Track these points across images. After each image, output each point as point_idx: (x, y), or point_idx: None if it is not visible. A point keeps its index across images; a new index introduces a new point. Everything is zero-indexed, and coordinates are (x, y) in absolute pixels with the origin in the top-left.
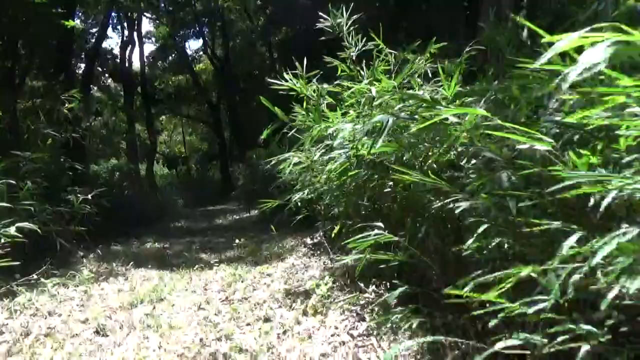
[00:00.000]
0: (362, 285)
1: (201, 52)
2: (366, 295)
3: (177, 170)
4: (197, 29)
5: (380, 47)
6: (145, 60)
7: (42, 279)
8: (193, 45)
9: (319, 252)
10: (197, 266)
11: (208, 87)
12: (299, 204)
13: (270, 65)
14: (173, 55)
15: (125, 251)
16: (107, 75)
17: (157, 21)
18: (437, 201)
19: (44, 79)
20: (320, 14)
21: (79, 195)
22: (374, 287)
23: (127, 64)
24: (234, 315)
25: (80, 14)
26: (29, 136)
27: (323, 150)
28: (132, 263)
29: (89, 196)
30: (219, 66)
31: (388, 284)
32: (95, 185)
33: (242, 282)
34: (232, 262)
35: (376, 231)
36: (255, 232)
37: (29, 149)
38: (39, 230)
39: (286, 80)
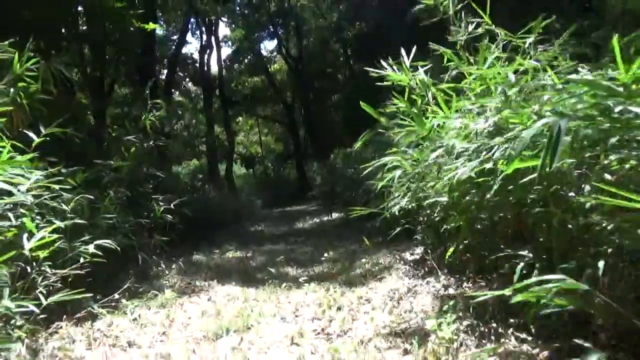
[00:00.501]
0: (500, 328)
1: (275, 53)
2: (511, 345)
3: (254, 170)
4: (272, 29)
5: (491, 29)
6: (223, 63)
7: (124, 300)
8: (268, 46)
9: (423, 271)
10: (284, 284)
11: (283, 87)
12: (397, 213)
13: (344, 62)
14: (249, 57)
15: (207, 262)
16: (187, 79)
17: (233, 24)
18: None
19: (131, 86)
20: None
21: (161, 203)
22: (513, 331)
23: (205, 68)
24: (335, 357)
25: (161, 22)
26: (109, 144)
27: (437, 154)
28: (215, 279)
29: (172, 205)
30: (293, 66)
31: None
32: (177, 190)
33: (337, 309)
34: (323, 281)
35: (556, 276)
36: (341, 240)
37: (111, 158)
38: (117, 249)
39: (385, 69)
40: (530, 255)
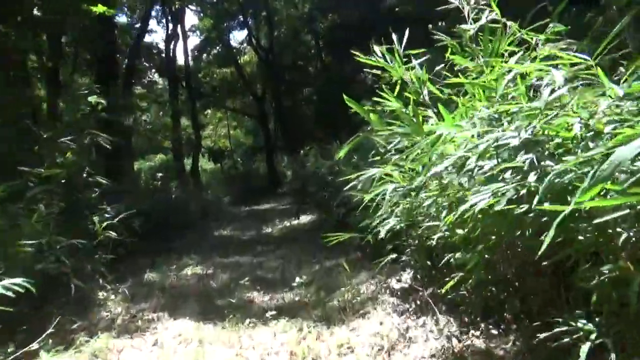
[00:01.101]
0: None
1: (245, 44)
2: None
3: (222, 165)
4: (242, 19)
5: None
6: (190, 53)
7: (43, 353)
8: (238, 36)
9: (414, 305)
10: (248, 320)
11: (252, 79)
12: (385, 236)
13: (316, 54)
14: (218, 47)
15: (161, 282)
16: (153, 70)
17: (201, 13)
18: None
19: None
20: None
21: (108, 214)
22: None
23: (171, 58)
24: None
25: (124, 9)
26: (41, 146)
27: (439, 168)
28: (167, 309)
29: (119, 217)
30: (263, 57)
31: None
32: (137, 191)
33: None
34: (294, 316)
35: None
36: (315, 252)
37: (43, 163)
38: (33, 289)
39: (375, 56)
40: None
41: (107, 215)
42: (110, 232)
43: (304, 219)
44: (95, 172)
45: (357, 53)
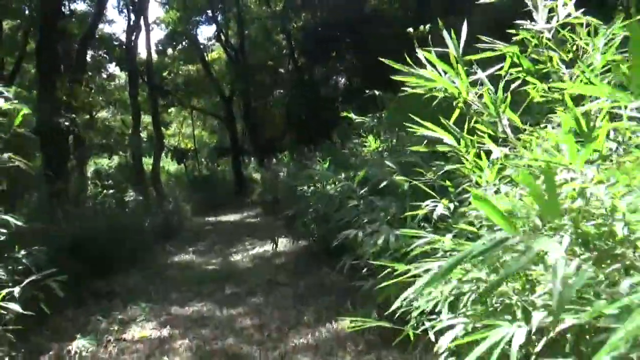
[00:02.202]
0: None
1: (214, 40)
2: None
3: (186, 166)
4: (210, 14)
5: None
6: (155, 47)
7: None
8: (206, 32)
9: None
10: None
11: (220, 78)
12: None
13: (288, 55)
14: (184, 43)
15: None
16: (113, 63)
17: (167, 5)
18: None
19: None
20: None
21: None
22: None
23: (132, 51)
24: None
25: None
26: None
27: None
28: None
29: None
30: (232, 56)
31: None
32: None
33: None
34: None
35: None
36: (302, 304)
37: None
38: None
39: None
40: None
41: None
42: (10, 305)
43: (281, 247)
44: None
45: (386, 60)
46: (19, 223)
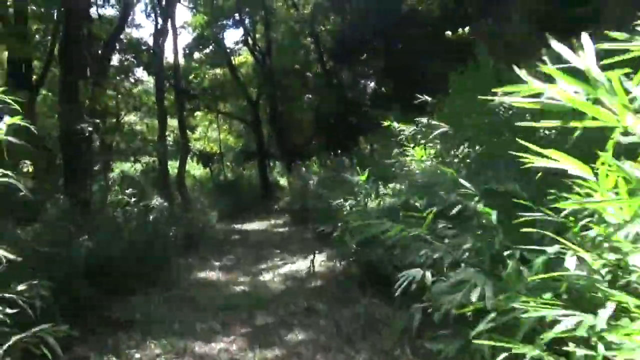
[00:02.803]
0: None
1: (241, 44)
2: None
3: (212, 170)
4: (238, 17)
5: None
6: (182, 51)
7: None
8: (232, 36)
9: None
10: None
11: (247, 82)
12: None
13: (316, 59)
14: (211, 46)
15: None
16: (142, 68)
17: (194, 9)
18: None
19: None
20: None
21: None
22: None
23: (160, 55)
24: None
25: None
26: None
27: None
28: None
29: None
30: (260, 59)
31: None
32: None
33: None
34: None
35: None
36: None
37: None
38: None
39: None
40: None
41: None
42: None
43: (321, 263)
44: None
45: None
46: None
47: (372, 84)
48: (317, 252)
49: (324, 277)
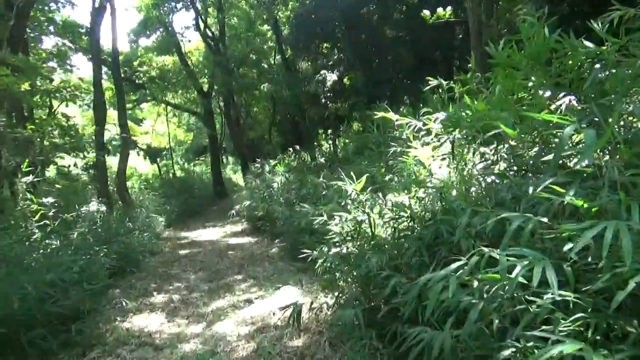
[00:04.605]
0: None
1: (192, 27)
2: None
3: (159, 167)
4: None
5: None
6: (127, 37)
7: None
8: (182, 21)
9: None
10: None
11: (198, 72)
12: None
13: (275, 46)
14: (158, 32)
15: None
16: (77, 51)
17: None
18: None
19: None
20: None
21: None
22: None
23: (96, 37)
24: None
25: None
26: None
27: None
28: None
29: None
30: (212, 46)
31: None
32: None
33: None
34: None
35: None
36: None
37: None
38: None
39: None
40: None
41: None
42: None
43: (289, 292)
44: None
45: None
46: None
47: (334, 75)
48: (290, 282)
49: (312, 331)
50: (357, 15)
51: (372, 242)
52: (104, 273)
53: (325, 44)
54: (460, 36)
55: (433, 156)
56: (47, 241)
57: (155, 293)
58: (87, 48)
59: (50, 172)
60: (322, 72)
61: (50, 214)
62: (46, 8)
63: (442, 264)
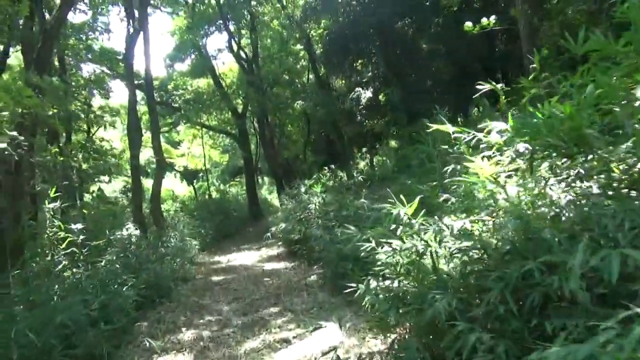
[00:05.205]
0: None
1: (225, 50)
2: None
3: (195, 188)
4: (221, 22)
5: None
6: (162, 62)
7: None
8: (215, 43)
9: None
10: None
11: (232, 93)
12: None
13: (309, 65)
14: (192, 55)
15: None
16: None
17: (174, 14)
18: None
19: None
20: None
21: None
22: None
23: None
24: None
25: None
26: None
27: None
28: None
29: None
30: (246, 67)
31: None
32: None
33: None
34: None
35: None
36: None
37: None
38: None
39: None
40: None
41: None
42: None
43: (336, 330)
44: None
45: None
46: None
47: (368, 92)
48: (332, 319)
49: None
50: (392, 29)
51: (434, 278)
52: (130, 306)
53: (359, 60)
54: (503, 45)
55: (496, 173)
56: (74, 270)
57: (184, 329)
58: (124, 74)
59: (87, 196)
60: (357, 89)
61: (79, 240)
62: (83, 37)
63: (538, 315)
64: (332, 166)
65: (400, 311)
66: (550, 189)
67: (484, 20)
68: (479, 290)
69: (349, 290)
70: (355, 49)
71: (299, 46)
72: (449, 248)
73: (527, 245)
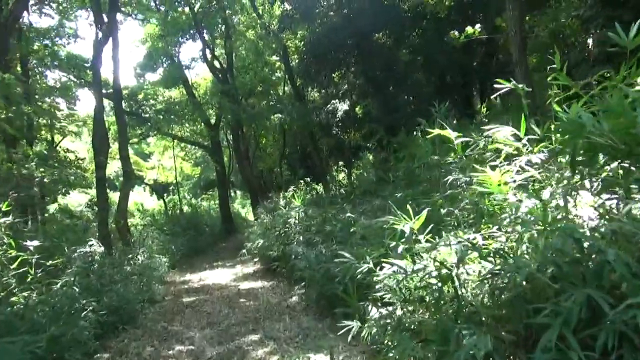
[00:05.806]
0: None
1: (199, 60)
2: None
3: (166, 202)
4: (195, 30)
5: None
6: (132, 71)
7: None
8: (189, 52)
9: None
10: None
11: (205, 104)
12: None
13: (285, 75)
14: (164, 64)
15: None
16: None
17: (145, 21)
18: None
19: None
20: None
21: None
22: None
23: (98, 69)
24: None
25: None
26: None
27: None
28: None
29: None
30: (220, 77)
31: None
32: None
33: None
34: None
35: None
36: None
37: None
38: None
39: None
40: None
41: None
42: None
43: None
44: None
45: None
46: None
47: (345, 105)
48: (323, 352)
49: None
50: (370, 40)
51: (455, 308)
52: (88, 337)
53: (337, 72)
54: (481, 57)
55: (507, 182)
56: (23, 294)
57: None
58: (91, 82)
59: (51, 209)
60: (333, 101)
61: (33, 259)
62: (49, 42)
63: None
64: (309, 179)
65: (417, 348)
66: (599, 197)
67: (469, 29)
68: (519, 324)
69: (338, 314)
70: (333, 59)
71: (275, 57)
72: (475, 271)
73: (579, 269)
